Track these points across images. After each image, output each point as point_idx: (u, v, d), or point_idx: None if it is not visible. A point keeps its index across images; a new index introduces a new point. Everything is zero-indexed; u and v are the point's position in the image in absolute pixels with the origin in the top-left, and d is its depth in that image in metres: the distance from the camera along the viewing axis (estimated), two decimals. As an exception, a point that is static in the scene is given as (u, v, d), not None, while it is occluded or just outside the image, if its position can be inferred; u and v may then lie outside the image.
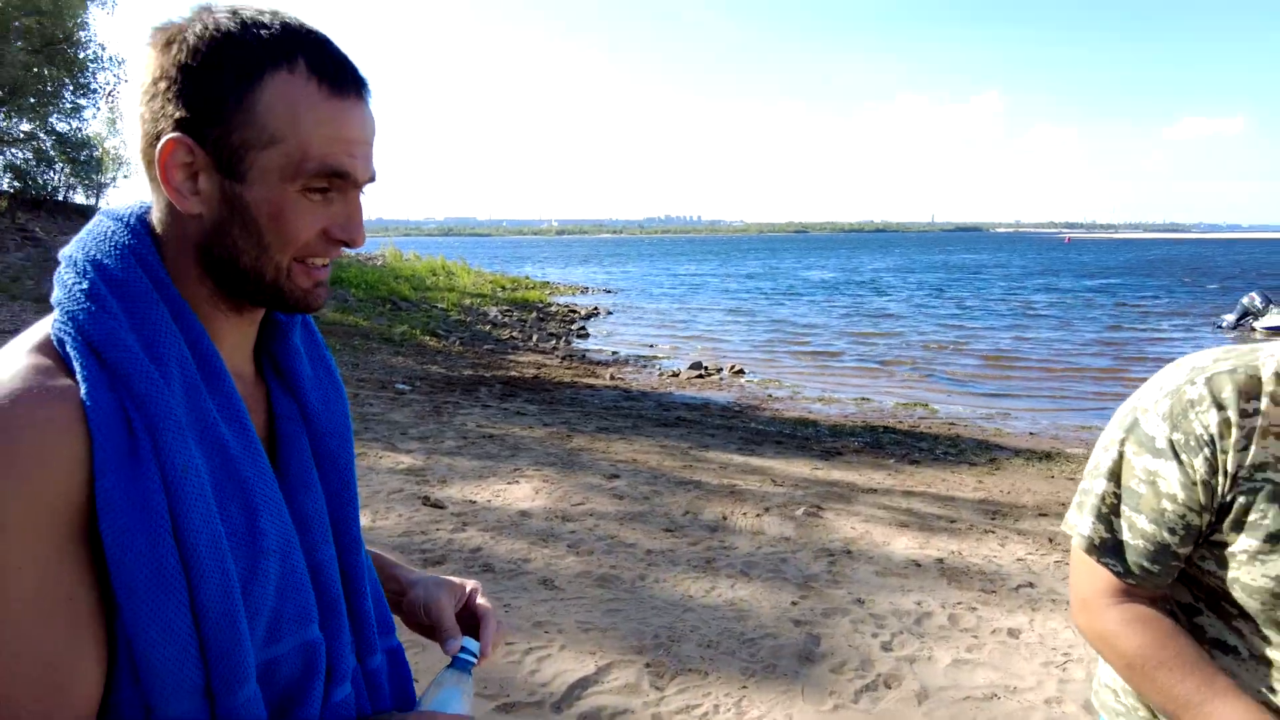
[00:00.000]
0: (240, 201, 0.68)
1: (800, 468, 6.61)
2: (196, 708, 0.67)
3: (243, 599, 0.68)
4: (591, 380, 12.00)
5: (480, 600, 0.96)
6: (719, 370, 13.43)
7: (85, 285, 0.67)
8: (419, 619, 0.92)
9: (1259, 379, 0.96)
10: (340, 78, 0.68)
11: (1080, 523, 1.06)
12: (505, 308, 20.68)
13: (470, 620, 0.95)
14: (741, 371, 13.33)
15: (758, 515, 4.91)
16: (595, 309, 23.52)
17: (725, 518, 4.84)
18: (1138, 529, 0.99)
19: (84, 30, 15.89)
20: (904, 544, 4.47)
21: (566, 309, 22.77)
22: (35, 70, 13.78)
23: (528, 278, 32.28)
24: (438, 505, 4.84)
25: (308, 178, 0.68)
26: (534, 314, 20.38)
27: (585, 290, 31.55)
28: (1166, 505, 0.97)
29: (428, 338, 14.66)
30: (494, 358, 13.69)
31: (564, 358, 14.35)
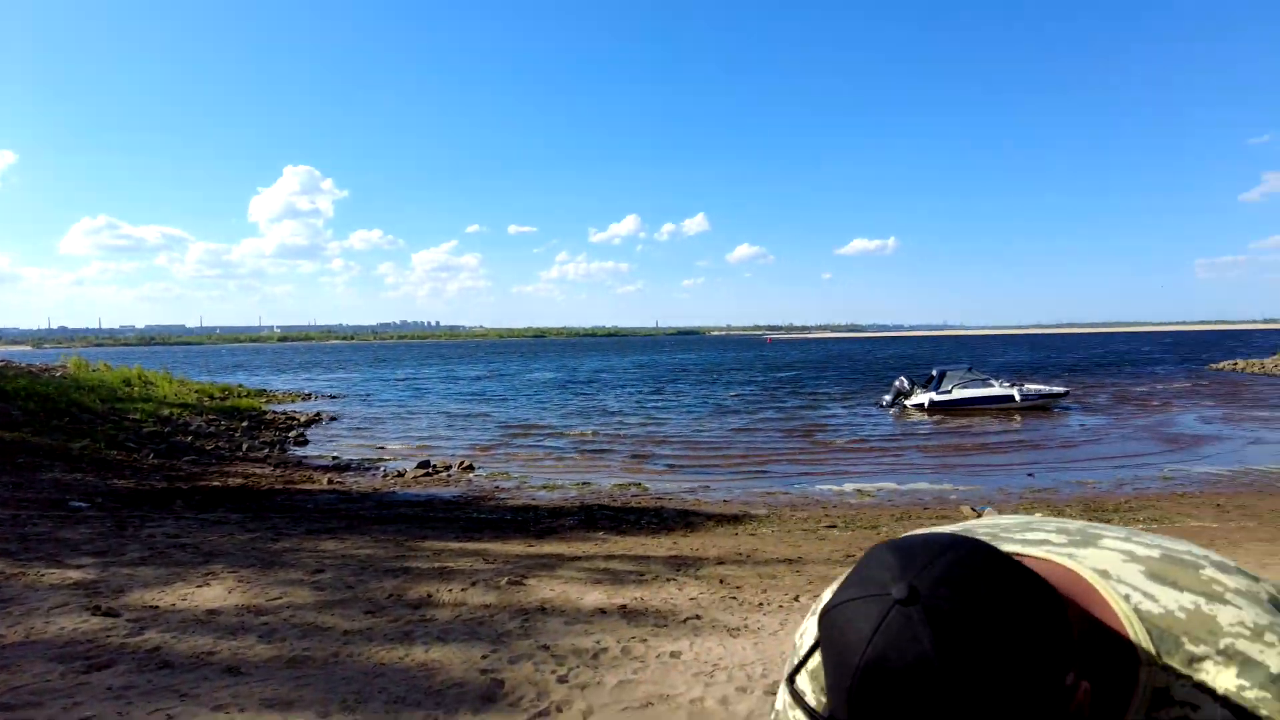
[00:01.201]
0: None
1: (515, 547, 6.90)
2: None
3: None
4: (308, 486, 11.45)
5: None
6: (448, 467, 13.42)
7: None
8: None
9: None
10: None
11: None
12: (212, 417, 19.00)
13: None
14: (471, 467, 13.43)
15: (463, 590, 5.11)
16: (318, 415, 22.35)
17: (430, 596, 4.98)
18: None
19: None
20: (594, 597, 4.91)
21: (284, 416, 21.39)
22: None
23: (241, 386, 29.88)
24: (110, 614, 4.48)
25: None
26: (245, 423, 18.93)
27: (308, 397, 29.83)
28: None
29: (114, 452, 13.09)
30: (195, 469, 12.54)
31: (278, 465, 13.51)
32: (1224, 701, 0.69)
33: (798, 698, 0.71)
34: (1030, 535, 0.87)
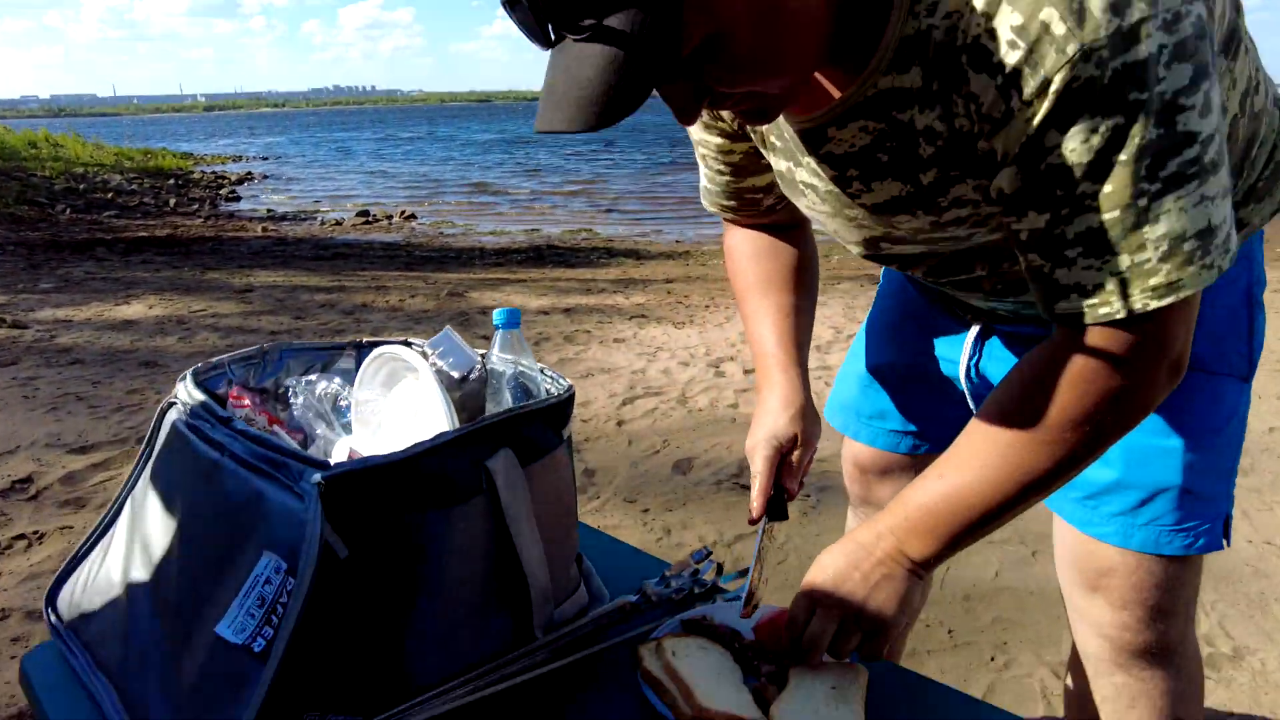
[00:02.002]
0: None
1: (458, 274, 6.68)
2: None
3: None
4: (241, 234, 10.93)
5: None
6: (389, 216, 12.88)
7: None
8: None
9: None
10: None
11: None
12: (134, 176, 17.80)
13: None
14: (413, 216, 12.91)
15: (400, 300, 4.91)
16: (249, 174, 21.13)
17: (364, 305, 4.78)
18: (702, 173, 1.00)
19: None
20: (539, 304, 4.76)
21: (213, 176, 20.18)
22: None
23: (165, 149, 27.95)
24: (18, 325, 4.21)
25: None
26: (172, 181, 17.81)
27: (238, 159, 28.16)
28: (704, 151, 0.95)
29: (24, 208, 12.22)
30: (118, 222, 11.84)
31: (208, 218, 12.82)
32: None
33: None
34: None
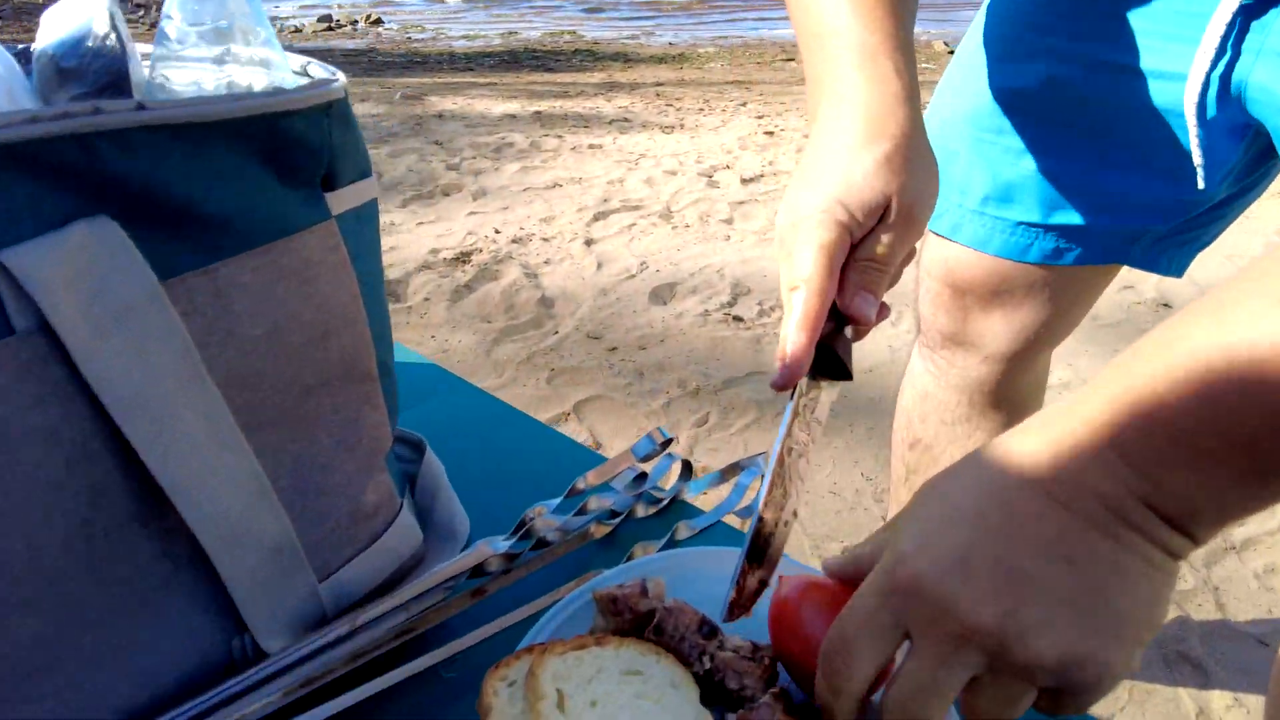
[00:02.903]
0: None
1: (420, 79, 5.94)
2: None
3: None
4: (188, 41, 9.91)
5: None
6: (353, 22, 11.71)
7: None
8: None
9: None
10: None
11: None
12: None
13: None
14: (379, 21, 11.73)
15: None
16: (202, -22, 19.25)
17: (306, 110, 4.14)
18: None
19: None
20: (506, 108, 4.14)
21: (162, -21, 18.38)
22: None
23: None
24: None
25: None
26: (114, -16, 16.16)
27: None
28: None
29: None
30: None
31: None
32: None
33: None
34: None
